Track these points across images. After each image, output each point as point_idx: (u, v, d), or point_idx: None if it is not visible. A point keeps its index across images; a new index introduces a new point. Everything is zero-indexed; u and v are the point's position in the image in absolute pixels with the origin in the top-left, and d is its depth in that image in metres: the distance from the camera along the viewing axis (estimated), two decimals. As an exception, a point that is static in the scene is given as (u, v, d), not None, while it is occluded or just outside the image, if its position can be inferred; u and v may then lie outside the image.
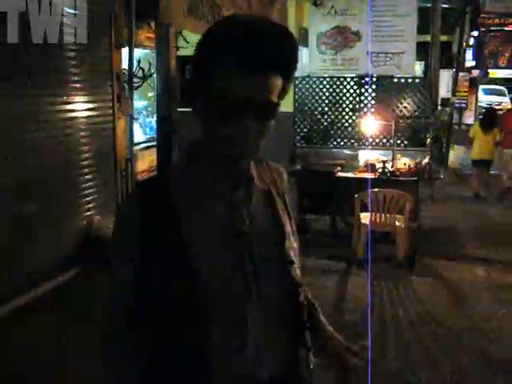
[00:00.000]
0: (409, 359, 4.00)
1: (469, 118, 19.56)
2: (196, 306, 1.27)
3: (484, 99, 23.79)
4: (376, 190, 5.98)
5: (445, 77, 16.01)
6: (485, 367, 3.88)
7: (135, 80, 6.29)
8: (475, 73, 20.76)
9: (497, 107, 16.83)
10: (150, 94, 8.04)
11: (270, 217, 1.40)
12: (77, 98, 5.45)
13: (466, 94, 17.50)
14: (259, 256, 1.33)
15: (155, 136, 7.65)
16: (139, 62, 6.29)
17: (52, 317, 4.53)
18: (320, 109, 9.45)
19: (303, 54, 10.91)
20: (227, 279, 1.29)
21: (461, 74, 17.08)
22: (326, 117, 9.93)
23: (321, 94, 9.37)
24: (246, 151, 1.28)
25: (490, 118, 10.60)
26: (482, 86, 25.02)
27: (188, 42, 8.36)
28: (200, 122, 1.30)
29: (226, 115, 1.22)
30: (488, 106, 15.36)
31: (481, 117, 12.08)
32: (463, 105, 17.36)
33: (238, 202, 1.33)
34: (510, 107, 14.44)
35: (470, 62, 21.50)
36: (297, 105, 9.45)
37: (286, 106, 12.29)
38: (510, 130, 10.29)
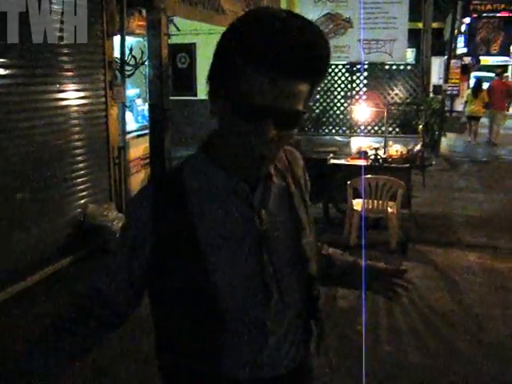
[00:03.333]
0: (401, 343, 4.04)
1: (460, 106, 19.59)
2: (212, 312, 1.26)
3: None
4: (368, 176, 6.00)
5: (436, 64, 16.05)
6: (476, 351, 3.93)
7: (127, 68, 6.27)
8: (467, 60, 20.75)
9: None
10: (142, 82, 8.03)
11: (287, 214, 1.36)
12: (70, 86, 5.48)
13: (457, 81, 17.49)
14: (278, 258, 1.31)
15: (147, 124, 7.65)
16: (131, 49, 6.28)
17: (46, 304, 4.56)
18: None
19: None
20: (247, 285, 1.27)
21: (452, 61, 17.05)
22: (317, 104, 9.91)
23: (312, 81, 9.39)
24: (265, 156, 1.21)
25: (477, 86, 15.43)
26: (473, 74, 25.05)
27: (179, 30, 8.35)
28: (219, 118, 1.23)
29: (247, 120, 1.15)
30: (476, 77, 17.59)
31: (472, 86, 16.49)
32: (455, 92, 17.37)
33: (256, 203, 1.30)
34: (495, 78, 16.59)
35: (461, 48, 21.46)
36: (288, 92, 9.45)
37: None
38: (497, 96, 14.69)
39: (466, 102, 15.79)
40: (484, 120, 15.77)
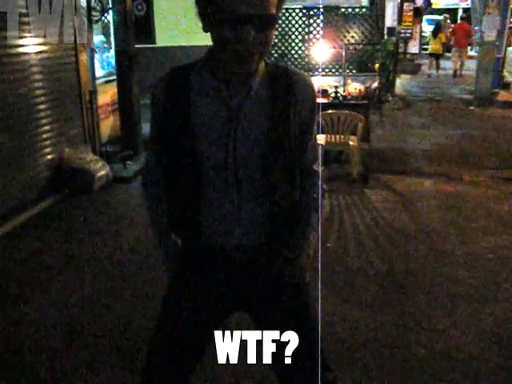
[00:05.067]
0: (367, 255, 4.50)
1: (413, 48, 20.05)
2: (194, 168, 1.63)
3: (428, 29, 24.45)
4: (330, 111, 6.35)
5: (390, 6, 16.32)
6: (432, 258, 4.42)
7: (94, 13, 6.42)
8: (419, 2, 21.13)
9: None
10: (105, 30, 8.14)
11: (264, 121, 1.61)
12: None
13: (410, 23, 17.93)
14: (245, 152, 1.60)
15: (113, 71, 7.81)
16: (98, -5, 6.42)
17: (33, 243, 4.84)
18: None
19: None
20: (215, 153, 1.61)
21: (405, 3, 17.41)
22: (276, 48, 10.13)
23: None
24: (250, 55, 1.48)
25: (436, 29, 18.22)
26: (426, 17, 25.51)
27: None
28: (210, 34, 1.51)
29: (228, 28, 1.43)
30: (428, 21, 21.51)
31: (432, 28, 19.30)
32: (408, 34, 17.80)
33: (234, 106, 1.59)
34: (459, 22, 20.11)
35: (413, -8, 21.78)
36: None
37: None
38: (458, 36, 17.44)
39: (428, 41, 19.03)
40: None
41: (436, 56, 18.38)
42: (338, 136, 6.42)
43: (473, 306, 3.68)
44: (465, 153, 7.87)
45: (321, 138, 6.50)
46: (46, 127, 5.83)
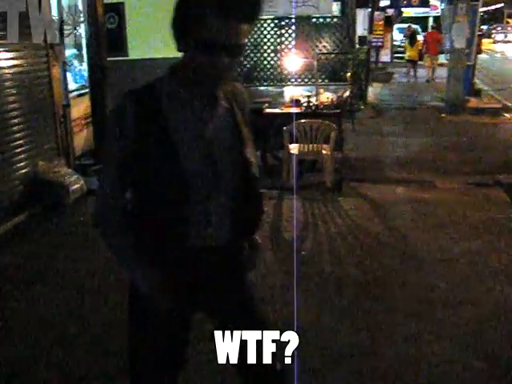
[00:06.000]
0: (341, 261, 4.56)
1: (385, 56, 20.32)
2: (174, 182, 1.69)
3: (399, 38, 24.89)
4: (303, 120, 6.41)
5: (361, 16, 16.51)
6: (405, 265, 4.49)
7: (66, 27, 6.41)
8: (390, 11, 21.42)
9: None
10: (76, 43, 8.13)
11: (231, 129, 1.79)
12: (10, 47, 5.54)
13: (381, 32, 18.20)
14: (222, 159, 1.74)
15: (85, 84, 7.81)
16: (69, 9, 6.41)
17: (5, 258, 4.79)
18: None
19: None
20: (196, 173, 1.70)
21: (376, 12, 17.64)
22: (248, 59, 10.17)
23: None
24: (219, 81, 1.70)
25: (412, 37, 19.71)
26: (396, 25, 25.87)
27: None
28: (185, 53, 1.66)
29: (207, 54, 1.59)
30: (412, 29, 21.06)
31: (409, 37, 20.32)
32: (379, 43, 18.05)
33: (205, 118, 1.74)
34: (429, 30, 21.16)
35: (385, 1, 22.12)
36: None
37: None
38: (429, 44, 18.71)
39: (405, 48, 20.74)
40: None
41: (413, 62, 19.34)
42: (311, 145, 6.47)
43: (446, 310, 3.75)
44: (437, 159, 8.00)
45: (294, 148, 6.56)
46: (20, 141, 5.79)
